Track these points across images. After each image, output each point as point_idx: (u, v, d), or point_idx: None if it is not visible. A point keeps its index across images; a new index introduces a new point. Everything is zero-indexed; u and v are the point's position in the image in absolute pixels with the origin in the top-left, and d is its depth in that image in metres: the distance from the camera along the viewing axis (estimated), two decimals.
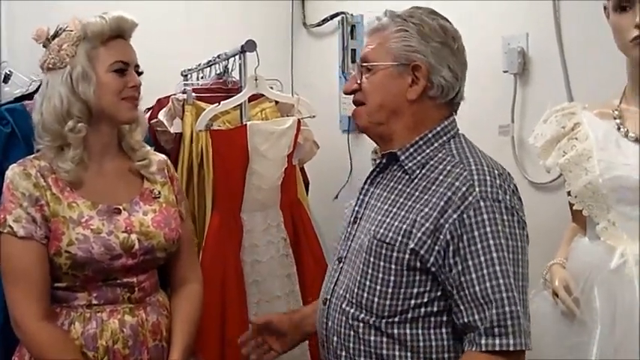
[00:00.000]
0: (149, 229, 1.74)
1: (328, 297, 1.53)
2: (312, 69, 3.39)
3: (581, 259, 1.67)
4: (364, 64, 1.50)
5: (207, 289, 1.99)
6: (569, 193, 1.69)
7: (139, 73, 1.77)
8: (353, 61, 3.06)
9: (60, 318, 1.68)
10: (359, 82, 1.51)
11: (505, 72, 2.28)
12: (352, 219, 1.54)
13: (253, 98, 2.63)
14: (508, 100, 2.29)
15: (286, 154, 2.55)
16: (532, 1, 2.23)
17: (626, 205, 1.57)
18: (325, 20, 3.23)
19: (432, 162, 1.44)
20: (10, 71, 2.70)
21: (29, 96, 2.35)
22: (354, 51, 3.06)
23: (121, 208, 1.73)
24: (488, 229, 1.32)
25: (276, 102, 2.71)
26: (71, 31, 1.71)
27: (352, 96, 1.54)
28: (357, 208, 1.54)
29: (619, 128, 1.62)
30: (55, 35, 1.74)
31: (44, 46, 1.75)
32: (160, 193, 1.82)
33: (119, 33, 1.72)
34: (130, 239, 1.70)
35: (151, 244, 1.73)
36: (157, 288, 1.83)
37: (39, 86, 2.25)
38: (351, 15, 3.07)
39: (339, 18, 3.11)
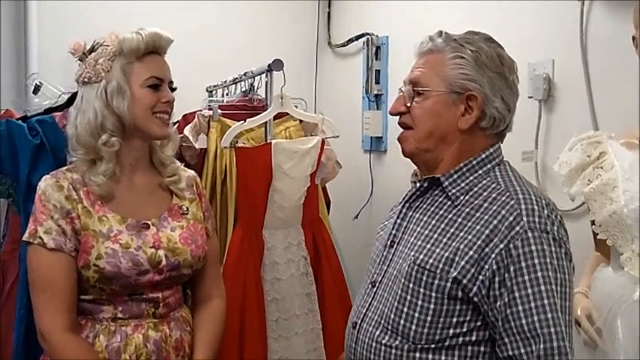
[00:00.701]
0: (176, 245, 1.75)
1: (359, 321, 1.49)
2: (335, 88, 3.42)
3: (605, 289, 1.66)
4: (416, 88, 1.45)
5: (227, 305, 2.00)
6: (593, 222, 1.68)
7: (173, 89, 1.79)
8: (377, 82, 3.08)
9: (85, 330, 1.69)
10: (407, 104, 1.46)
11: (530, 98, 2.28)
12: (389, 242, 1.51)
13: (278, 116, 2.65)
14: (532, 126, 2.29)
15: (309, 174, 2.56)
16: (558, 28, 2.24)
17: None
18: (350, 40, 3.26)
19: (475, 189, 1.41)
20: (40, 82, 2.75)
21: (58, 108, 2.39)
22: (378, 72, 3.08)
23: (149, 223, 1.74)
24: (536, 260, 1.29)
25: (300, 120, 2.73)
26: (107, 46, 1.74)
27: (398, 117, 1.50)
28: (393, 232, 1.51)
29: None
30: (92, 50, 1.77)
31: (80, 60, 1.78)
32: (188, 209, 1.83)
33: (154, 49, 1.75)
34: (158, 255, 1.71)
35: (178, 261, 1.74)
36: (181, 303, 1.83)
37: (68, 99, 2.30)
38: (377, 36, 3.09)
39: (364, 39, 3.13)
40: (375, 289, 1.49)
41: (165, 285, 1.75)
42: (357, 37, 3.20)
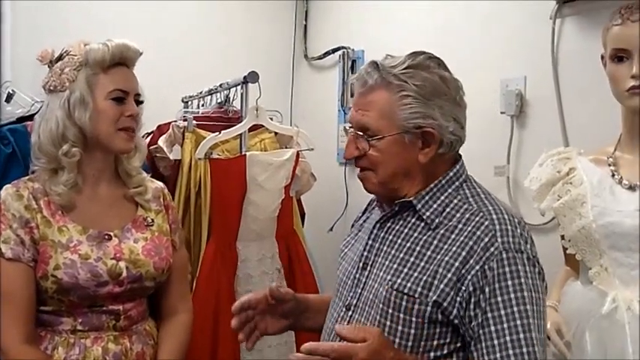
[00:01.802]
0: (138, 257, 1.73)
1: None
2: (311, 101, 3.43)
3: (574, 304, 1.68)
4: (367, 135, 1.39)
5: (199, 318, 1.98)
6: (562, 237, 1.70)
7: (140, 102, 1.77)
8: (352, 96, 3.07)
9: (44, 342, 1.67)
10: (362, 148, 1.40)
11: (502, 113, 2.31)
12: (361, 264, 1.46)
13: (253, 128, 2.65)
14: (504, 141, 2.32)
15: (284, 186, 2.56)
16: (530, 45, 2.27)
17: (618, 251, 1.58)
18: (327, 54, 3.27)
19: (448, 209, 1.39)
20: (13, 91, 2.71)
21: (31, 117, 2.36)
22: (353, 85, 3.08)
23: (111, 234, 1.72)
24: (509, 282, 1.28)
25: (276, 133, 2.73)
26: (74, 55, 1.73)
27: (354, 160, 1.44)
28: (365, 254, 1.46)
29: (613, 175, 1.63)
30: (59, 58, 1.75)
31: (49, 67, 1.77)
32: (153, 221, 1.81)
33: (121, 61, 1.73)
34: (118, 266, 1.69)
35: (140, 273, 1.72)
36: (144, 316, 1.81)
37: (41, 108, 2.28)
38: (352, 50, 3.11)
39: (340, 52, 3.15)
40: (350, 313, 1.44)
41: (126, 297, 1.72)
42: (334, 51, 3.22)
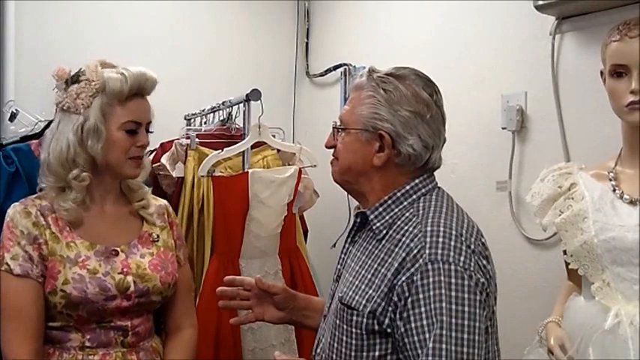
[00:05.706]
0: (145, 271, 1.75)
1: (314, 354, 1.55)
2: (313, 118, 3.44)
3: (577, 319, 1.67)
4: (339, 124, 1.50)
5: (202, 335, 1.98)
6: (565, 252, 1.70)
7: (150, 131, 1.80)
8: None
9: (52, 359, 1.68)
10: (334, 139, 1.52)
11: (504, 129, 2.32)
12: (335, 277, 1.55)
13: (256, 145, 2.66)
14: (506, 156, 2.33)
15: (286, 203, 2.56)
16: (531, 61, 2.29)
17: (621, 266, 1.58)
18: (328, 70, 3.29)
19: (398, 222, 1.41)
20: (16, 110, 2.73)
21: (34, 136, 2.38)
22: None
23: (118, 249, 1.74)
24: (431, 292, 1.27)
25: (278, 150, 2.75)
26: (92, 81, 1.72)
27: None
28: (338, 267, 1.55)
29: (614, 190, 1.64)
30: (76, 80, 1.74)
31: (65, 85, 1.76)
32: (158, 236, 1.83)
33: (139, 91, 1.74)
34: (126, 281, 1.71)
35: (147, 287, 1.74)
36: (151, 333, 1.82)
37: (44, 127, 2.29)
38: (354, 66, 3.11)
39: (341, 69, 3.15)
40: (323, 324, 1.53)
41: (134, 312, 1.74)
42: (335, 68, 3.23)
